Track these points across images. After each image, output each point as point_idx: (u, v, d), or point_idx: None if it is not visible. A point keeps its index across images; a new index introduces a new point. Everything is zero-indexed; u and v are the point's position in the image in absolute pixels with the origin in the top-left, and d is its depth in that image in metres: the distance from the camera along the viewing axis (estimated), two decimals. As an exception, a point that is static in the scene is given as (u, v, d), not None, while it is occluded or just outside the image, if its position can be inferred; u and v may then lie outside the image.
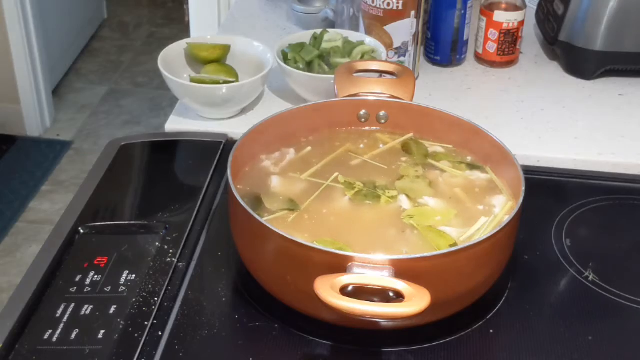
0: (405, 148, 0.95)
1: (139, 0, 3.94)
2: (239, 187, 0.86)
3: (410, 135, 0.96)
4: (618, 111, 1.20)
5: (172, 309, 0.80)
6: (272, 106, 1.17)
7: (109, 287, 0.81)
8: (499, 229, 0.76)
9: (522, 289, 0.86)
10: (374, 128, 0.98)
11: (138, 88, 3.19)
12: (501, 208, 0.85)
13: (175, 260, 0.86)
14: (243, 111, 1.16)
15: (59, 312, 0.78)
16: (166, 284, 0.83)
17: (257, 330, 0.79)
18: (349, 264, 0.70)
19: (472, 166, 0.92)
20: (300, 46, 1.16)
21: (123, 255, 0.86)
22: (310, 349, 0.78)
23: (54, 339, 0.75)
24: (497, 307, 0.83)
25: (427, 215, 0.84)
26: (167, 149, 1.09)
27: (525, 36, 1.33)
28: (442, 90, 1.24)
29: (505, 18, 1.27)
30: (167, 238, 0.89)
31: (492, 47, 1.29)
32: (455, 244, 0.80)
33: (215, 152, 1.05)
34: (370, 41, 1.17)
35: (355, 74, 1.02)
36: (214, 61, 1.17)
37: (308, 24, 1.34)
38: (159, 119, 2.85)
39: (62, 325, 0.77)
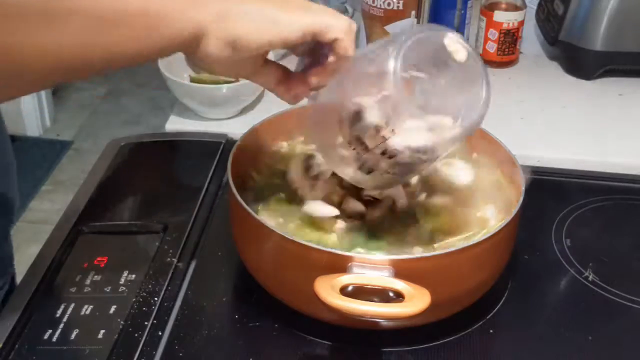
0: None
1: (139, 0, 3.94)
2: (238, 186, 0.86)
3: None
4: (618, 111, 1.20)
5: (172, 309, 0.80)
6: (272, 106, 1.16)
7: (109, 287, 0.81)
8: (498, 229, 0.76)
9: (522, 289, 0.86)
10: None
11: (138, 88, 3.19)
12: (496, 221, 0.83)
13: (175, 260, 0.86)
14: (243, 111, 1.16)
15: (59, 312, 0.78)
16: (166, 284, 0.83)
17: (257, 330, 0.79)
18: (349, 264, 0.70)
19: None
20: None
21: (123, 255, 0.86)
22: (310, 349, 0.78)
23: (54, 339, 0.75)
24: (497, 307, 0.83)
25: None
26: (167, 149, 1.09)
27: (525, 36, 1.33)
28: (442, 90, 1.24)
29: (505, 18, 1.27)
30: (167, 238, 0.89)
31: (492, 47, 1.29)
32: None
33: (215, 152, 1.05)
34: None
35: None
36: (214, 61, 1.16)
37: (308, 24, 1.34)
38: (159, 119, 2.85)
39: (62, 325, 0.77)
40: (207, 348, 0.77)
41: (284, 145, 0.93)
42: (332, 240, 0.79)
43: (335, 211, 0.80)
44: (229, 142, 1.07)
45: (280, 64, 0.74)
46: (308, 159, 0.88)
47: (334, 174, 0.83)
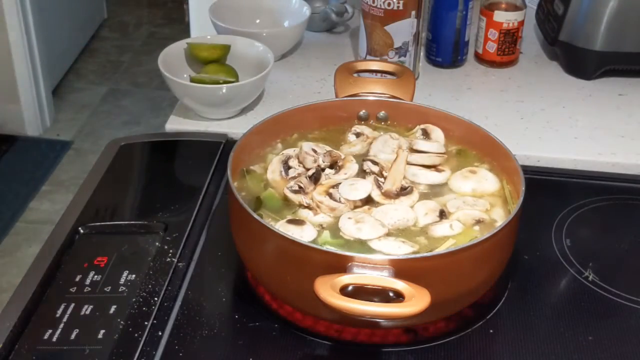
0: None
1: (139, 0, 3.94)
2: (238, 186, 0.86)
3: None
4: (618, 111, 1.20)
5: (172, 309, 0.80)
6: (272, 106, 1.17)
7: (109, 287, 0.81)
8: (498, 229, 0.76)
9: (522, 289, 0.86)
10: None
11: (138, 88, 3.19)
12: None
13: (175, 260, 0.86)
14: (243, 111, 1.16)
15: (59, 312, 0.78)
16: (166, 284, 0.83)
17: (257, 330, 0.79)
18: (349, 264, 0.70)
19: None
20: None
21: (123, 255, 0.86)
22: (310, 349, 0.78)
23: (54, 339, 0.75)
24: (497, 307, 0.83)
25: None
26: (167, 149, 1.09)
27: (525, 36, 1.33)
28: (442, 90, 1.24)
29: (505, 18, 1.27)
30: (167, 238, 0.89)
31: (492, 47, 1.29)
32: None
33: (215, 152, 1.05)
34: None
35: (355, 74, 1.02)
36: (214, 61, 1.17)
37: (308, 24, 1.34)
38: (159, 119, 2.85)
39: (62, 325, 0.77)
40: (207, 348, 0.77)
41: (278, 147, 0.93)
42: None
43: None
44: (229, 142, 1.07)
45: None
46: (287, 160, 0.88)
47: (311, 176, 0.85)
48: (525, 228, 0.85)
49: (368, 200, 0.84)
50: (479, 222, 0.82)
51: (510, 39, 1.28)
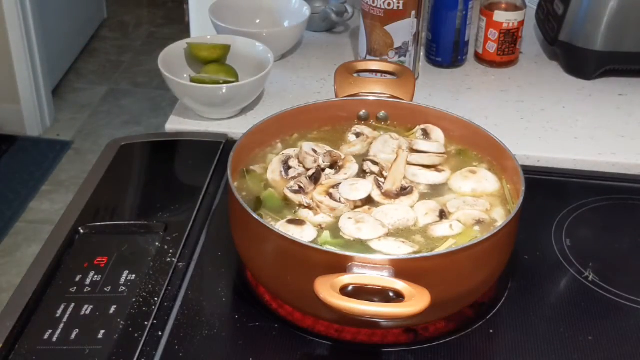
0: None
1: (139, 0, 3.94)
2: (238, 186, 0.86)
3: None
4: (618, 111, 1.20)
5: (172, 309, 0.80)
6: (272, 106, 1.17)
7: (109, 287, 0.81)
8: (498, 229, 0.76)
9: (522, 289, 0.86)
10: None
11: (138, 88, 3.19)
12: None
13: (175, 260, 0.86)
14: (243, 111, 1.16)
15: (59, 312, 0.78)
16: (166, 284, 0.83)
17: (257, 330, 0.79)
18: (349, 264, 0.70)
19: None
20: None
21: (123, 255, 0.86)
22: (310, 349, 0.78)
23: (54, 339, 0.75)
24: (497, 307, 0.83)
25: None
26: (167, 149, 1.09)
27: (525, 36, 1.33)
28: (442, 90, 1.24)
29: (505, 18, 1.27)
30: (167, 238, 0.89)
31: (492, 47, 1.29)
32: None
33: (215, 152, 1.05)
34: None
35: (355, 74, 1.02)
36: (214, 61, 1.17)
37: (308, 24, 1.34)
38: (159, 119, 2.85)
39: (62, 325, 0.77)
40: (207, 348, 0.77)
41: (278, 147, 0.93)
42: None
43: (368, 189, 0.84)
44: (229, 142, 1.07)
45: None
46: (287, 160, 0.88)
47: (311, 176, 0.85)
48: (525, 228, 0.85)
49: (368, 200, 0.84)
50: (479, 222, 0.82)
51: (510, 39, 1.28)
